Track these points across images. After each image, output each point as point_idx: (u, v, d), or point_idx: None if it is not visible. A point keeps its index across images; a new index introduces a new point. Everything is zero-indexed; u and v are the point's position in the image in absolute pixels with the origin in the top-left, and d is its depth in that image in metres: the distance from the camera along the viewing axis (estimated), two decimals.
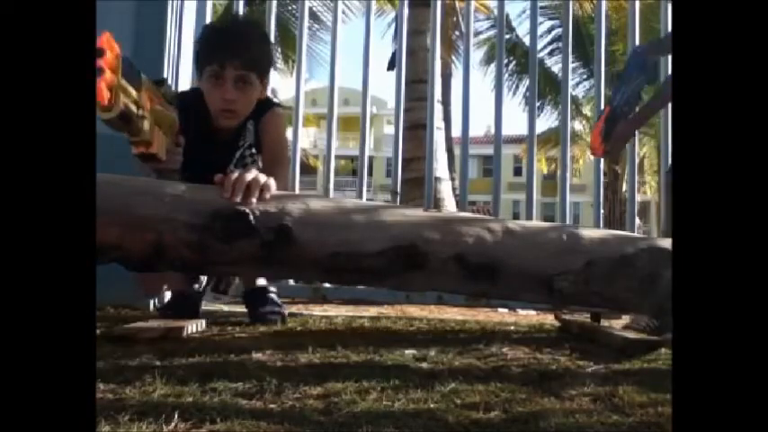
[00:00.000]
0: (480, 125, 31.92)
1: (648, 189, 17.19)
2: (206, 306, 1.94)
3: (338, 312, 2.21)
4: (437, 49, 3.05)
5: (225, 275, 1.87)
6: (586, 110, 13.04)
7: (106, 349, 1.29)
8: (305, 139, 15.90)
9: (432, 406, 0.94)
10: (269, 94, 1.88)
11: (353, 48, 3.15)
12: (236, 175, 1.24)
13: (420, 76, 5.52)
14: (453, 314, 2.35)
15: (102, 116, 1.14)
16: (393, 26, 11.90)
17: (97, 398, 0.91)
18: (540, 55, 11.67)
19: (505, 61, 11.03)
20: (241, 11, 2.80)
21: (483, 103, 6.39)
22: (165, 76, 2.17)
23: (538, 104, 2.74)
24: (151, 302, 2.02)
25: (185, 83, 2.37)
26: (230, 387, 1.01)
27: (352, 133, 19.45)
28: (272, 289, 1.91)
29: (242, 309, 2.19)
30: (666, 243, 1.36)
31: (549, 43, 12.80)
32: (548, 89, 12.19)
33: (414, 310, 2.46)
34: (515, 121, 41.55)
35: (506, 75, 12.58)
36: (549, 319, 2.07)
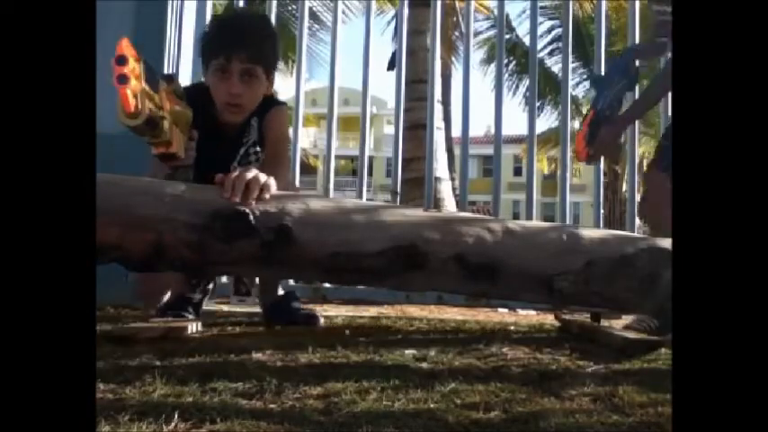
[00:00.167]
0: (480, 125, 31.94)
1: None
2: (206, 306, 1.94)
3: (338, 312, 2.21)
4: (437, 49, 3.05)
5: (246, 277, 1.87)
6: (586, 110, 13.01)
7: (106, 349, 1.29)
8: (305, 139, 15.88)
9: (432, 406, 0.94)
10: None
11: (353, 48, 3.15)
12: (236, 174, 1.23)
13: (420, 76, 5.52)
14: (453, 314, 2.35)
15: (127, 123, 1.15)
16: (393, 24, 11.92)
17: (97, 398, 0.91)
18: (540, 55, 11.67)
19: (505, 61, 11.05)
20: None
21: (483, 103, 6.38)
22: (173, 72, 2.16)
23: (538, 104, 2.74)
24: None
25: (185, 83, 2.37)
26: (230, 387, 1.01)
27: (352, 133, 19.44)
28: (296, 299, 1.93)
29: (242, 309, 2.20)
30: (666, 243, 1.36)
31: (549, 43, 12.79)
32: (548, 89, 12.18)
33: (414, 310, 2.46)
34: (515, 121, 41.61)
35: (506, 75, 12.58)
36: (549, 319, 2.07)
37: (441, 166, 5.65)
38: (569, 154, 2.69)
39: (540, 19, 2.86)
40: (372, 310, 2.36)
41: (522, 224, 1.36)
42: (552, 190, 2.23)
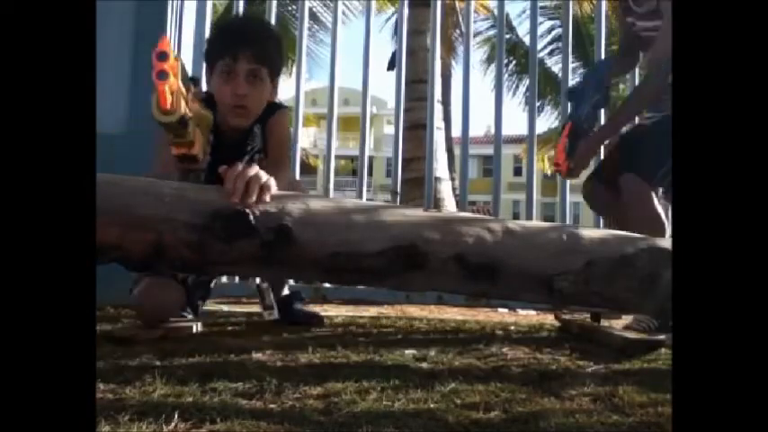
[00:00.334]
0: (480, 125, 31.94)
1: None
2: (206, 306, 1.94)
3: (338, 312, 2.21)
4: (437, 49, 3.05)
5: (264, 293, 1.87)
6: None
7: (106, 349, 1.29)
8: (305, 139, 15.88)
9: (432, 406, 0.94)
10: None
11: (353, 48, 3.16)
12: (238, 169, 1.23)
13: (420, 76, 5.52)
14: (453, 314, 2.35)
15: (161, 119, 1.14)
16: (392, 23, 11.93)
17: (97, 398, 0.91)
18: (540, 55, 11.65)
19: (505, 61, 11.05)
20: (241, 11, 2.80)
21: (483, 103, 6.38)
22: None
23: (538, 104, 2.73)
24: None
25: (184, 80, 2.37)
26: (230, 387, 1.01)
27: (352, 133, 19.43)
28: (300, 299, 1.94)
29: (242, 309, 2.20)
30: (666, 243, 1.36)
31: (549, 43, 12.78)
32: (548, 89, 12.18)
33: (414, 310, 2.46)
34: (515, 121, 41.62)
35: (506, 75, 12.58)
36: (549, 319, 2.07)
37: (441, 166, 5.66)
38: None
39: (540, 19, 2.87)
40: (372, 310, 2.36)
41: (522, 224, 1.36)
42: (552, 190, 2.22)
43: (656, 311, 1.54)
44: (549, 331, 1.85)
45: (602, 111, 2.28)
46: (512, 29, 12.81)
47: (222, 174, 1.24)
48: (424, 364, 1.28)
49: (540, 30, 11.85)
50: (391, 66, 7.12)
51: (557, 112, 12.18)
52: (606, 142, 2.23)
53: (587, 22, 10.60)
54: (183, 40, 2.50)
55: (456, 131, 8.62)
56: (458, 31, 11.90)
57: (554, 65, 12.76)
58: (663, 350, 1.44)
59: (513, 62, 12.95)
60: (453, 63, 12.56)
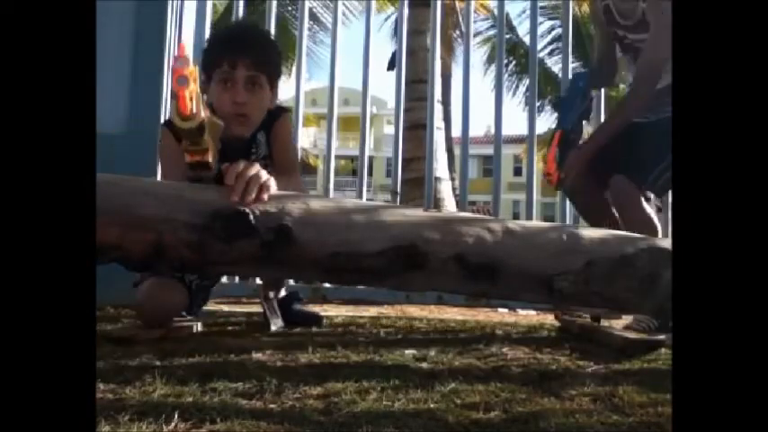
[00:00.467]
0: (480, 125, 31.92)
1: None
2: (206, 306, 1.94)
3: (338, 312, 2.21)
4: (437, 49, 3.05)
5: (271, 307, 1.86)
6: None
7: (106, 349, 1.29)
8: (305, 139, 15.88)
9: (432, 406, 0.94)
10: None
11: (353, 48, 3.16)
12: (239, 168, 1.23)
13: (420, 76, 5.52)
14: (453, 314, 2.35)
15: (182, 125, 1.14)
16: (391, 22, 11.93)
17: (97, 398, 0.91)
18: (540, 55, 11.65)
19: (505, 61, 11.04)
20: (241, 11, 2.80)
21: (483, 103, 6.38)
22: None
23: (538, 104, 2.73)
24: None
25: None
26: (230, 387, 1.01)
27: (352, 133, 19.43)
28: (298, 300, 1.94)
29: (241, 309, 2.20)
30: (666, 243, 1.36)
31: (549, 43, 12.79)
32: (548, 89, 12.18)
33: (414, 310, 2.46)
34: (515, 121, 41.60)
35: (506, 75, 12.58)
36: (549, 319, 2.08)
37: (441, 166, 5.65)
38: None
39: (540, 19, 2.86)
40: (372, 310, 2.36)
41: (522, 224, 1.36)
42: (552, 190, 2.20)
43: (656, 311, 1.54)
44: (549, 331, 1.85)
45: (587, 122, 2.28)
46: (512, 29, 12.82)
47: (223, 172, 1.24)
48: (424, 364, 1.28)
49: (540, 30, 11.85)
50: (391, 66, 7.13)
51: (557, 112, 12.16)
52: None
53: (587, 22, 10.59)
54: (183, 40, 2.50)
55: (456, 131, 8.62)
56: (458, 31, 11.90)
57: (554, 65, 12.77)
58: (663, 350, 1.44)
59: (513, 62, 12.95)
60: (453, 64, 12.56)
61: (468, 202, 2.76)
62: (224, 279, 2.38)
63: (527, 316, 2.37)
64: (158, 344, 1.38)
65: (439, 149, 5.48)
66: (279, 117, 1.77)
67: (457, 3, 11.13)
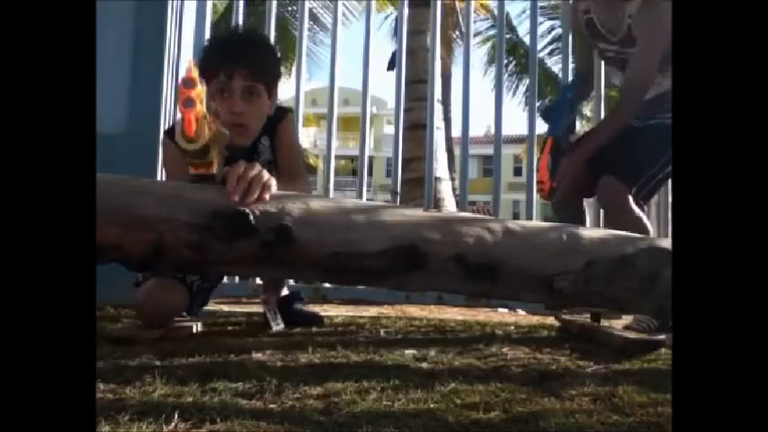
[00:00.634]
0: (480, 125, 31.96)
1: None
2: (206, 306, 1.94)
3: (338, 312, 2.21)
4: (437, 49, 3.05)
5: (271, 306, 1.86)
6: (586, 110, 13.07)
7: (106, 349, 1.29)
8: (305, 139, 15.88)
9: (432, 406, 0.94)
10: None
11: (353, 48, 3.16)
12: (240, 169, 1.23)
13: (420, 76, 5.53)
14: (453, 314, 2.35)
15: (186, 147, 1.15)
16: (390, 21, 11.92)
17: (97, 398, 0.91)
18: (540, 55, 11.64)
19: (505, 61, 11.04)
20: (241, 11, 2.80)
21: (483, 103, 6.39)
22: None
23: (538, 104, 2.73)
24: None
25: (185, 64, 2.37)
26: (230, 387, 1.01)
27: (352, 133, 19.44)
28: (299, 299, 1.93)
29: (242, 309, 2.20)
30: (666, 243, 1.36)
31: (549, 43, 12.78)
32: (548, 89, 12.17)
33: (414, 310, 2.46)
34: (515, 121, 41.63)
35: (506, 75, 12.58)
36: (549, 320, 2.07)
37: (441, 166, 5.66)
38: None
39: (540, 19, 2.87)
40: (372, 310, 2.36)
41: (522, 224, 1.36)
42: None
43: (656, 311, 1.54)
44: (549, 331, 1.85)
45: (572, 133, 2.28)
46: (512, 29, 12.82)
47: (225, 174, 1.24)
48: (424, 364, 1.28)
49: (540, 30, 11.83)
50: (391, 66, 7.12)
51: (546, 122, 12.15)
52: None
53: None
54: (183, 40, 2.50)
55: (456, 131, 8.62)
56: (458, 31, 11.90)
57: (554, 65, 12.76)
58: (663, 350, 1.44)
59: (513, 62, 12.95)
60: (453, 65, 12.55)
61: (468, 202, 2.76)
62: (224, 279, 2.38)
63: (527, 316, 2.38)
64: (158, 344, 1.38)
65: (439, 149, 5.48)
66: (281, 120, 1.75)
67: (457, 3, 11.13)
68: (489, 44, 12.60)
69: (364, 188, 2.70)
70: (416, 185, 5.33)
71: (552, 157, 2.03)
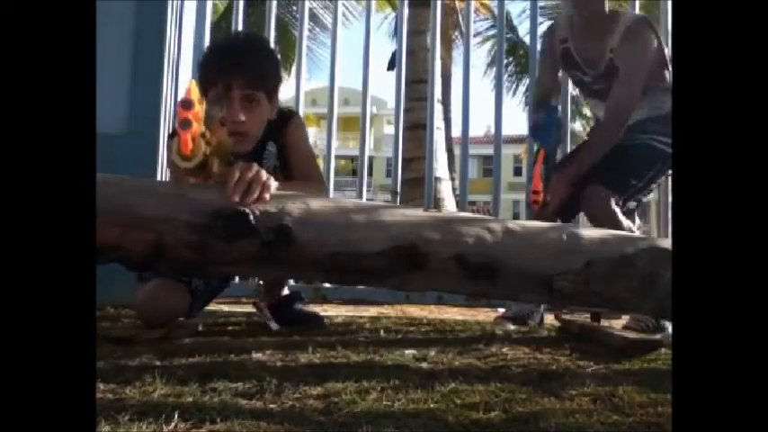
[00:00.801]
0: (480, 125, 31.97)
1: None
2: (206, 307, 1.94)
3: (338, 312, 2.21)
4: (437, 49, 3.05)
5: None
6: (586, 110, 13.07)
7: (106, 349, 1.29)
8: None
9: (432, 406, 0.94)
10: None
11: (353, 48, 3.16)
12: (240, 170, 1.23)
13: (420, 76, 5.53)
14: (453, 314, 2.35)
15: (181, 164, 1.16)
16: (389, 21, 11.92)
17: (97, 398, 0.91)
18: None
19: (505, 61, 11.03)
20: (241, 11, 2.80)
21: (483, 103, 6.39)
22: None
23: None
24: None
25: (185, 83, 2.37)
26: (230, 387, 1.01)
27: (352, 133, 19.45)
28: (300, 300, 1.92)
29: (242, 309, 2.20)
30: (666, 243, 1.36)
31: None
32: None
33: (414, 310, 2.46)
34: (515, 121, 41.65)
35: (506, 75, 12.57)
36: (549, 320, 2.07)
37: (441, 166, 5.66)
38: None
39: (540, 19, 2.87)
40: (372, 310, 2.36)
41: (522, 224, 1.36)
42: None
43: (656, 311, 1.54)
44: (549, 331, 1.85)
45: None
46: (512, 29, 12.81)
47: (225, 174, 1.24)
48: (424, 364, 1.28)
49: (540, 30, 11.82)
50: (391, 66, 7.12)
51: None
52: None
53: None
54: (183, 40, 2.50)
55: (456, 131, 8.62)
56: (458, 31, 11.90)
57: None
58: (663, 350, 1.44)
59: (513, 62, 12.95)
60: (453, 65, 12.55)
61: (468, 202, 2.76)
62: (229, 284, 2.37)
63: None
64: (158, 344, 1.38)
65: (439, 149, 5.48)
66: (287, 124, 1.74)
67: (457, 3, 11.13)
68: (489, 44, 12.60)
69: (364, 188, 2.70)
70: (416, 185, 5.33)
71: (545, 166, 2.05)
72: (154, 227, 1.18)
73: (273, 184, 1.25)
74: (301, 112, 2.69)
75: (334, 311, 2.22)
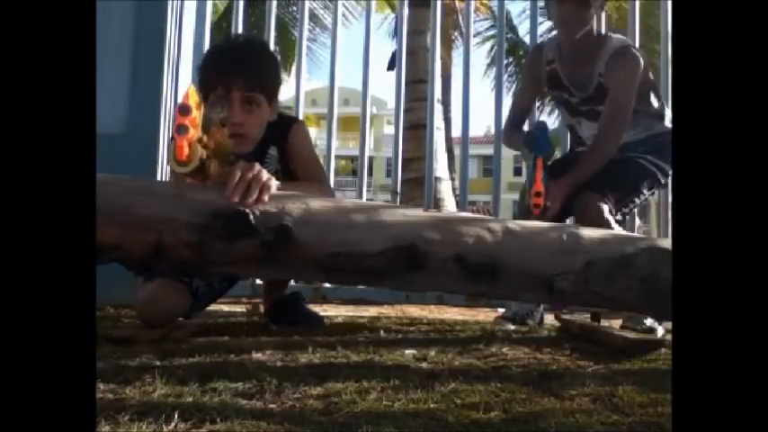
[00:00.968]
0: (480, 125, 31.97)
1: None
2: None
3: (338, 312, 2.21)
4: (437, 49, 3.05)
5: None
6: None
7: (106, 349, 1.29)
8: None
9: (432, 406, 0.94)
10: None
11: (353, 48, 3.16)
12: (239, 170, 1.23)
13: (420, 76, 5.53)
14: (453, 314, 2.35)
15: (177, 169, 1.16)
16: (389, 21, 11.92)
17: (97, 398, 0.91)
18: None
19: (505, 61, 11.04)
20: (241, 11, 2.80)
21: (483, 103, 6.39)
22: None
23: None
24: None
25: (185, 83, 2.37)
26: (230, 387, 1.01)
27: (352, 133, 19.46)
28: (301, 299, 1.92)
29: (241, 309, 2.20)
30: (666, 243, 1.36)
31: None
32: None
33: (414, 310, 2.46)
34: None
35: (506, 75, 12.57)
36: (549, 320, 2.07)
37: (441, 166, 5.66)
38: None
39: (540, 19, 2.87)
40: (372, 310, 2.36)
41: (522, 224, 1.36)
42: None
43: (656, 311, 1.54)
44: (549, 331, 1.85)
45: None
46: (512, 29, 12.82)
47: (225, 176, 1.24)
48: (424, 364, 1.28)
49: (540, 30, 11.77)
50: (391, 66, 7.12)
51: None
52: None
53: None
54: (183, 40, 2.50)
55: (456, 131, 8.62)
56: (458, 31, 11.90)
57: None
58: (663, 350, 1.44)
59: (513, 62, 12.94)
60: (453, 65, 12.55)
61: (468, 202, 2.76)
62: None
63: None
64: (158, 344, 1.38)
65: (439, 149, 5.49)
66: (289, 129, 1.75)
67: (457, 3, 11.13)
68: (489, 44, 12.59)
69: (364, 188, 2.70)
70: (416, 185, 5.34)
71: (545, 171, 2.05)
72: (154, 227, 1.18)
73: (274, 184, 1.25)
74: (301, 112, 2.70)
75: (334, 311, 2.21)
